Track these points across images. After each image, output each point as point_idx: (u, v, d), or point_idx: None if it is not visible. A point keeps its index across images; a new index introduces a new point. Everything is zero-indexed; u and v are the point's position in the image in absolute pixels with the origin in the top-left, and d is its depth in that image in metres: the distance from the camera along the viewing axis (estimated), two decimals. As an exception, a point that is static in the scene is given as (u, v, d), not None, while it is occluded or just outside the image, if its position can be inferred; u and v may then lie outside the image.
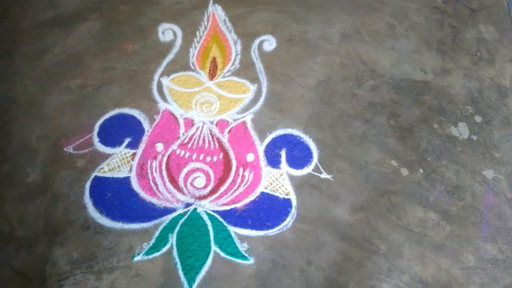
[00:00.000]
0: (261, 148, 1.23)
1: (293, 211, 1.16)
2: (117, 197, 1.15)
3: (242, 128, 1.26)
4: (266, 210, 1.16)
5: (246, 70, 1.35)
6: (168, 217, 1.14)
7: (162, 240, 1.11)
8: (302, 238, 1.12)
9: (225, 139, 1.24)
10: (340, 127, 1.26)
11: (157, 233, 1.12)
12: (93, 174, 1.17)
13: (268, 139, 1.25)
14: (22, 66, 1.34)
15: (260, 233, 1.14)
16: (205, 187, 1.18)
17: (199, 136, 1.25)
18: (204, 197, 1.17)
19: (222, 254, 1.11)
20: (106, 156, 1.20)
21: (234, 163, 1.21)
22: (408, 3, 1.49)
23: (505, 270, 1.09)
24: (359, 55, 1.38)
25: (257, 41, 1.40)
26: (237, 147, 1.23)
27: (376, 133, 1.26)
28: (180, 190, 1.17)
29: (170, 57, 1.37)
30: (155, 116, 1.27)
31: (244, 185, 1.18)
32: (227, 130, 1.25)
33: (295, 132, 1.26)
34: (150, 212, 1.14)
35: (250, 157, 1.22)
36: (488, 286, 1.07)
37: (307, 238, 1.12)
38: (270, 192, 1.18)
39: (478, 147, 1.25)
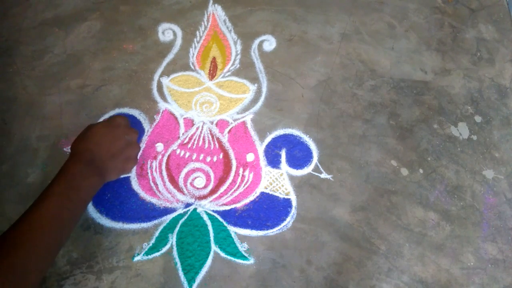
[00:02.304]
0: (261, 148, 1.23)
1: (293, 211, 1.16)
2: (117, 197, 1.15)
3: (242, 128, 1.26)
4: (266, 210, 1.16)
5: (246, 70, 1.35)
6: (168, 217, 1.14)
7: (162, 240, 1.11)
8: (302, 238, 1.12)
9: (225, 139, 1.24)
10: (340, 127, 1.26)
11: (157, 233, 1.12)
12: (93, 174, 1.17)
13: (268, 139, 1.24)
14: (22, 66, 1.33)
15: (260, 233, 1.13)
16: (205, 187, 1.18)
17: (199, 136, 1.24)
18: (204, 197, 1.17)
19: (222, 254, 1.10)
20: (106, 156, 1.20)
21: (234, 163, 1.20)
22: (408, 3, 1.49)
23: (505, 270, 1.09)
24: (359, 55, 1.38)
25: (257, 41, 1.39)
26: (237, 147, 1.23)
27: (376, 133, 1.25)
28: (180, 190, 1.17)
29: (170, 57, 1.36)
30: (155, 116, 1.27)
31: (244, 185, 1.18)
32: (227, 130, 1.25)
33: (295, 132, 1.26)
34: (150, 212, 1.14)
35: (250, 157, 1.21)
36: (488, 286, 1.07)
37: (307, 238, 1.12)
38: (270, 192, 1.18)
39: (478, 147, 1.25)
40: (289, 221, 1.15)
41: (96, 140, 0.88)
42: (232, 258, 1.10)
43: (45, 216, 0.73)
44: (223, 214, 1.15)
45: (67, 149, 1.21)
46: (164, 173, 1.19)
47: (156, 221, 1.14)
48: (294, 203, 1.17)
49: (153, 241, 1.11)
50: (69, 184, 0.76)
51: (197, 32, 1.41)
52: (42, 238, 0.72)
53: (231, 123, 1.27)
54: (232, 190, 1.18)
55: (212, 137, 1.25)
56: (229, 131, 1.25)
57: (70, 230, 0.85)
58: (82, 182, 0.73)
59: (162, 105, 1.28)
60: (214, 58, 1.37)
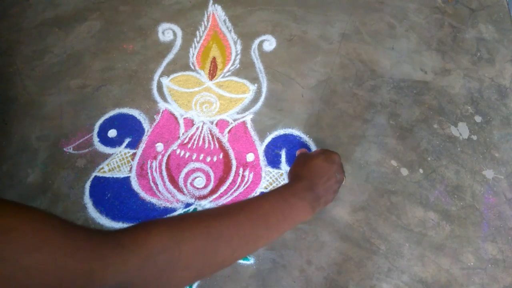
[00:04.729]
0: (261, 148, 1.23)
1: (293, 211, 1.16)
2: (117, 197, 1.15)
3: (242, 128, 1.26)
4: (266, 210, 1.15)
5: (246, 70, 1.35)
6: (168, 217, 1.14)
7: (162, 240, 1.11)
8: (302, 238, 1.12)
9: (225, 139, 1.24)
10: (340, 127, 1.26)
11: (157, 233, 1.12)
12: (93, 174, 1.17)
13: (268, 139, 1.25)
14: (22, 66, 1.33)
15: (260, 233, 1.13)
16: (205, 187, 1.18)
17: (199, 136, 1.24)
18: (204, 197, 1.17)
19: (222, 254, 1.10)
20: (106, 156, 1.20)
21: (234, 163, 1.21)
22: (408, 3, 1.49)
23: (505, 270, 1.09)
24: (359, 55, 1.38)
25: (257, 41, 1.39)
26: (237, 147, 1.23)
27: (376, 133, 1.25)
28: (180, 190, 1.17)
29: (170, 57, 1.36)
30: (155, 116, 1.27)
31: (244, 185, 1.18)
32: (227, 130, 1.25)
33: (295, 132, 1.26)
34: (150, 212, 1.14)
35: (250, 157, 1.21)
36: (488, 286, 1.07)
37: (307, 238, 1.12)
38: (270, 192, 1.18)
39: (478, 147, 1.25)
40: (289, 221, 1.14)
41: (316, 172, 0.90)
42: (232, 258, 1.10)
43: (256, 208, 0.66)
44: (223, 214, 1.15)
45: (67, 149, 1.21)
46: (164, 173, 1.19)
47: (156, 221, 1.13)
48: (294, 203, 1.17)
49: (153, 241, 1.11)
50: (285, 198, 0.71)
51: (197, 32, 1.41)
52: (244, 223, 0.63)
53: (231, 123, 1.27)
54: (232, 190, 1.18)
55: (212, 137, 1.25)
56: (229, 131, 1.25)
57: (254, 243, 0.68)
58: (298, 202, 0.76)
59: (162, 105, 1.29)
60: (214, 58, 1.37)
